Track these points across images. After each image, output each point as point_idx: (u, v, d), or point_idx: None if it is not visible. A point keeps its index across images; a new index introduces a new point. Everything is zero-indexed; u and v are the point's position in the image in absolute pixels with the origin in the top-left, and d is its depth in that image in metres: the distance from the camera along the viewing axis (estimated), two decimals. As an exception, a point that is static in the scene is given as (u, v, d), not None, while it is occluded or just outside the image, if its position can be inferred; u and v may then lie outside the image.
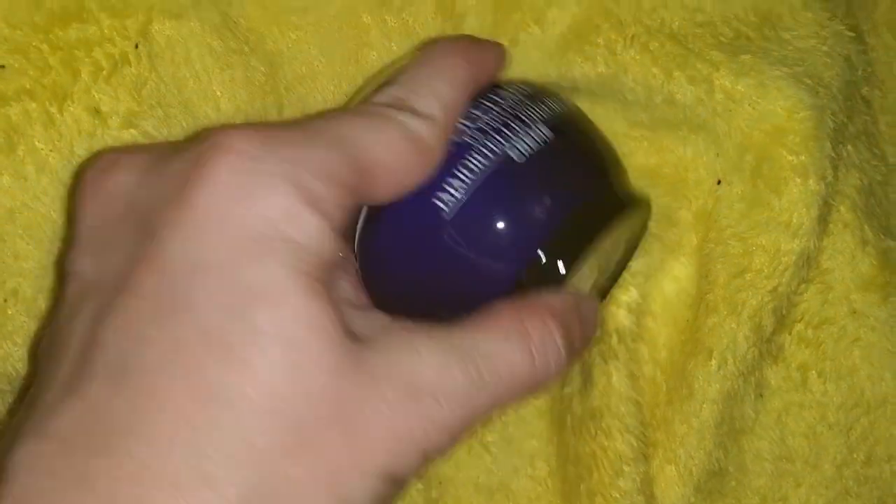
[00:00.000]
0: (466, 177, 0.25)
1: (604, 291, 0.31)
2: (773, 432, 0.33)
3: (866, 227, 0.33)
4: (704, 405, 0.32)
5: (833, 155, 0.31)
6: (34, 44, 0.28)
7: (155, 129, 0.29)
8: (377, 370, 0.21)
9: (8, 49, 0.28)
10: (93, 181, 0.23)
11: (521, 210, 0.26)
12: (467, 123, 0.26)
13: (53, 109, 0.28)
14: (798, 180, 0.31)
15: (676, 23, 0.32)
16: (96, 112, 0.29)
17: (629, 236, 0.30)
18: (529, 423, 0.33)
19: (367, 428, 0.21)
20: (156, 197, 0.21)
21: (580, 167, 0.27)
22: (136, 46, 0.28)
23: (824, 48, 0.33)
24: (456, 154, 0.25)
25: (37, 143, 0.28)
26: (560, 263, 0.26)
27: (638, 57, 0.32)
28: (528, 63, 0.33)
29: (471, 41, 0.28)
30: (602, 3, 0.32)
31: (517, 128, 0.26)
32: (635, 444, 0.31)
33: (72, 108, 0.29)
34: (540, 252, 0.26)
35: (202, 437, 0.19)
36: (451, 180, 0.25)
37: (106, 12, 0.29)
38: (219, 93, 0.30)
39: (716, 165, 0.32)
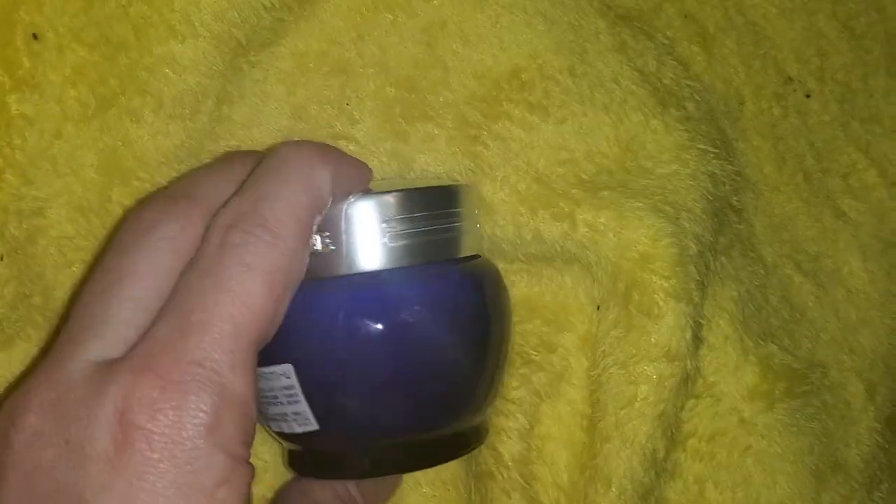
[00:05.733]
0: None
1: None
2: (677, 546, 0.34)
3: (745, 337, 0.34)
4: (608, 530, 0.32)
5: (698, 278, 0.32)
6: None
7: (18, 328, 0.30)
8: None
9: None
10: (14, 451, 0.23)
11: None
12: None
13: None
14: (672, 303, 0.32)
15: (542, 162, 0.33)
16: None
17: None
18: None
19: None
20: (81, 479, 0.22)
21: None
22: (1, 258, 0.29)
23: (687, 171, 0.34)
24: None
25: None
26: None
27: (506, 199, 0.33)
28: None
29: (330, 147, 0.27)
30: (471, 148, 0.34)
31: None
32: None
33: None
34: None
35: None
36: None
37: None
38: (75, 268, 0.31)
39: (594, 292, 0.33)
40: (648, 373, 0.32)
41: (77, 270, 0.31)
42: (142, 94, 0.31)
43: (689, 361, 0.32)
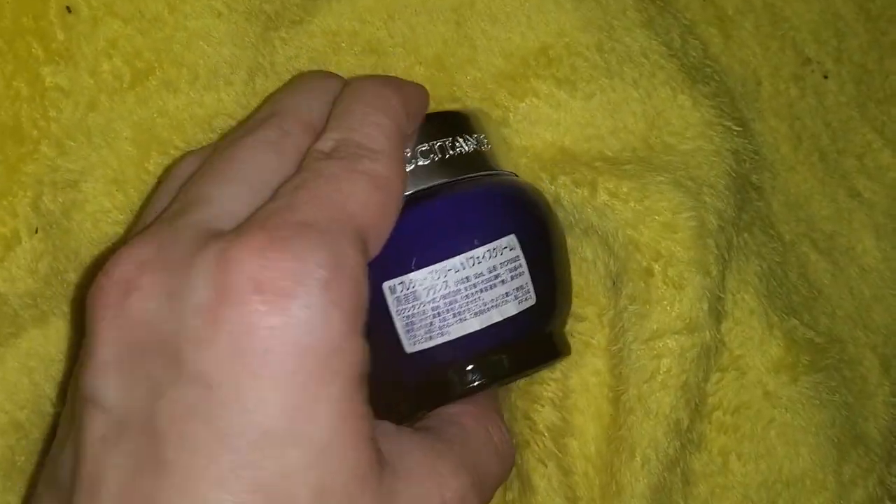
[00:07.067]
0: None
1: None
2: (701, 516, 0.35)
3: (770, 311, 0.35)
4: (634, 500, 0.33)
5: (716, 252, 0.32)
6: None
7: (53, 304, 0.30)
8: (405, 498, 0.22)
9: None
10: (110, 304, 0.22)
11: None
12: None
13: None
14: (692, 275, 0.32)
15: (567, 139, 0.34)
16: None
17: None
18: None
19: None
20: (180, 333, 0.21)
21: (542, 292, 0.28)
22: (36, 231, 0.29)
23: (711, 147, 0.34)
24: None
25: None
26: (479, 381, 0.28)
27: (528, 163, 0.34)
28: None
29: (391, 77, 0.29)
30: (499, 129, 0.34)
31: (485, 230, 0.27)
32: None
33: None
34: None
35: None
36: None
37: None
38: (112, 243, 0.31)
39: (611, 265, 0.34)
40: (671, 346, 0.32)
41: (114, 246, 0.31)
42: (177, 66, 0.31)
43: (708, 332, 0.32)
